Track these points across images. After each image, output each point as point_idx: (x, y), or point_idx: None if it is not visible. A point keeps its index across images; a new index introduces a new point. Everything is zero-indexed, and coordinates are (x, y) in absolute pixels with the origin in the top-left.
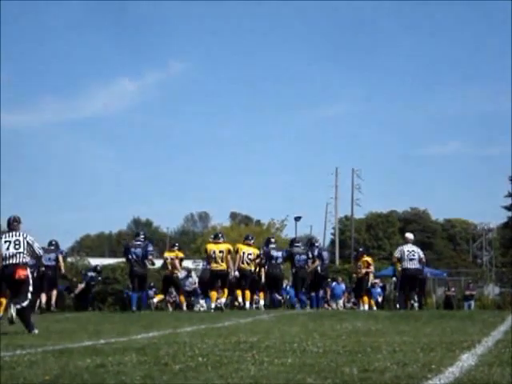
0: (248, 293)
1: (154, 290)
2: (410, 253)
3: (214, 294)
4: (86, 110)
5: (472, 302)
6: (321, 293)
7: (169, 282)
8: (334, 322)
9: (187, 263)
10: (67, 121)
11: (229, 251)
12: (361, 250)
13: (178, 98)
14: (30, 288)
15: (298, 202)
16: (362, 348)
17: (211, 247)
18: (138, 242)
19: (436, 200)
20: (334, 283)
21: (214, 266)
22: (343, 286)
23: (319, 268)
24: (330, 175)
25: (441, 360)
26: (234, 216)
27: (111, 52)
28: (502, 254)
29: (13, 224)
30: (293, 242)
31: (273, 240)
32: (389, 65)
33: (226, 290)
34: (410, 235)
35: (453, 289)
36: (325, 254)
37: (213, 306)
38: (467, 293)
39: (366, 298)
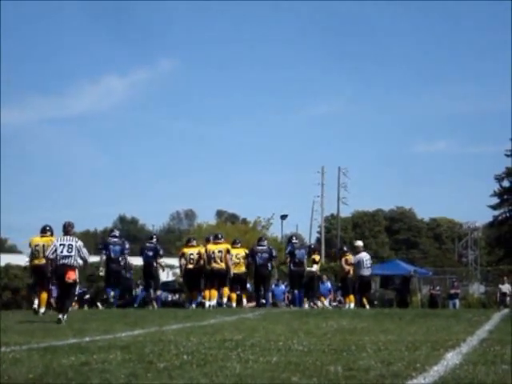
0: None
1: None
2: (367, 261)
3: (214, 293)
4: (73, 108)
5: (457, 301)
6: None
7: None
8: (319, 321)
9: (173, 261)
10: (54, 118)
11: (227, 251)
12: (344, 248)
13: (166, 96)
14: (77, 289)
15: (284, 200)
16: (347, 346)
17: (211, 247)
18: (116, 239)
19: (422, 199)
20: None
21: (213, 265)
22: (329, 285)
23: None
24: (316, 174)
25: (426, 359)
26: (220, 214)
27: (99, 49)
28: (487, 252)
29: (67, 229)
30: (290, 239)
31: (264, 239)
32: (375, 64)
33: (226, 289)
34: (360, 243)
35: (438, 287)
36: (299, 252)
37: (207, 304)
38: (452, 291)
39: (351, 297)
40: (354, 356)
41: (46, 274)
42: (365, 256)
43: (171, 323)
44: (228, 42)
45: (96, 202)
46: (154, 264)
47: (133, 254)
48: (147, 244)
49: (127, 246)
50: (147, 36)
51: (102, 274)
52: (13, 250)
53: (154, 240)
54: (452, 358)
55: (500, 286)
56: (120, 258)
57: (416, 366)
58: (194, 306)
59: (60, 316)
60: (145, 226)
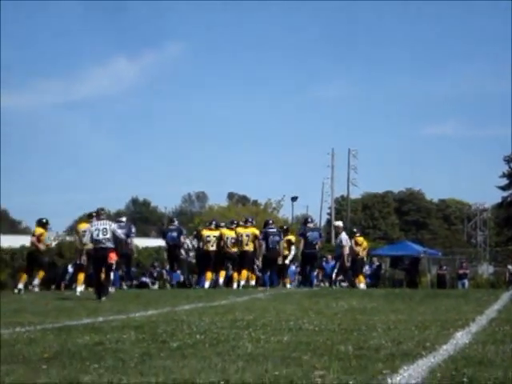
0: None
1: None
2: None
3: (244, 273)
4: (82, 91)
5: (466, 281)
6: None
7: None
8: (330, 301)
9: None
10: (64, 102)
11: (255, 236)
12: (355, 230)
13: (175, 79)
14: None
15: (294, 182)
16: (357, 326)
17: (240, 230)
18: (122, 224)
19: (431, 180)
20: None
21: (241, 247)
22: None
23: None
24: (326, 155)
25: (435, 338)
26: (231, 196)
27: (107, 33)
28: (496, 233)
29: (99, 213)
30: (306, 221)
31: (271, 222)
32: (385, 48)
33: (244, 271)
34: (340, 223)
35: (444, 267)
36: (311, 234)
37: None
38: (461, 272)
39: (361, 277)
40: (364, 335)
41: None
42: (344, 236)
43: (183, 303)
44: (235, 24)
45: (108, 185)
46: (180, 244)
47: (143, 235)
48: (170, 227)
49: (133, 229)
50: (155, 19)
51: None
52: (27, 231)
53: (176, 222)
54: (461, 338)
55: (509, 266)
56: (128, 241)
57: (426, 345)
58: (206, 286)
59: (102, 298)
60: (157, 208)
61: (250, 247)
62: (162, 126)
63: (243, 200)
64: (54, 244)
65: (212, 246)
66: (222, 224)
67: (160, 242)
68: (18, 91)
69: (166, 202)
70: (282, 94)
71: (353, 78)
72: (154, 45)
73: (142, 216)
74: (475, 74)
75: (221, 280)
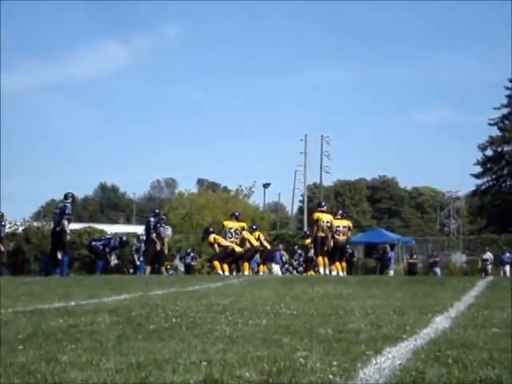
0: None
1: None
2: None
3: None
4: (63, 74)
5: (437, 269)
6: None
7: None
8: (305, 286)
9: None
10: (49, 84)
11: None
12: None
13: (152, 64)
14: None
15: (266, 168)
16: (335, 310)
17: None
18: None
19: (405, 168)
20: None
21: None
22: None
23: None
24: (299, 142)
25: (415, 322)
26: (201, 182)
27: (100, 15)
28: (469, 222)
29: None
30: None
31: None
32: (361, 33)
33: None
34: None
35: (415, 256)
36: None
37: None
38: (431, 260)
39: (337, 264)
40: (342, 319)
41: None
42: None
43: (156, 289)
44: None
45: (78, 170)
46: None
47: (112, 221)
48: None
49: (68, 210)
50: (147, 1)
51: None
52: None
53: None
54: (441, 322)
55: (483, 255)
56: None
57: (406, 329)
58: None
59: None
60: (125, 194)
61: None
62: (133, 110)
63: (213, 186)
64: (20, 229)
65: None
66: None
67: (128, 229)
68: (4, 72)
69: (135, 188)
70: (256, 79)
71: (327, 65)
72: (148, 28)
73: (110, 202)
74: (450, 61)
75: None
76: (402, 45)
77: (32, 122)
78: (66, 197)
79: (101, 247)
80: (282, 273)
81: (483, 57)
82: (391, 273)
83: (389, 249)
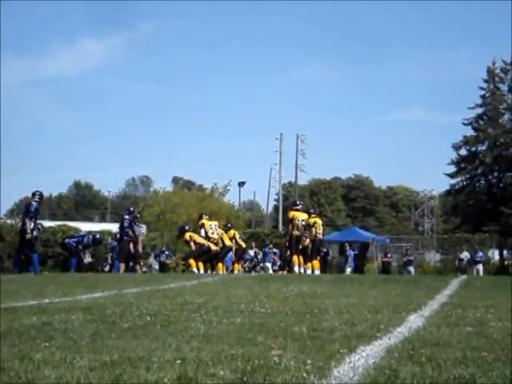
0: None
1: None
2: None
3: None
4: (44, 70)
5: (411, 268)
6: None
7: None
8: (280, 285)
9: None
10: (24, 81)
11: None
12: (311, 211)
13: (127, 59)
14: None
15: (241, 167)
16: (310, 309)
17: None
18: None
19: (379, 167)
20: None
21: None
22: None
23: None
24: (274, 140)
25: (388, 321)
26: (176, 181)
27: (77, 11)
28: (443, 221)
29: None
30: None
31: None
32: (338, 32)
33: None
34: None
35: (389, 254)
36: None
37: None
38: (405, 259)
39: (310, 263)
40: (317, 318)
41: None
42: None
43: (130, 287)
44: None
45: (52, 167)
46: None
47: (87, 219)
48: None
49: (32, 209)
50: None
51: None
52: None
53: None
54: (415, 321)
55: (459, 253)
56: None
57: (380, 327)
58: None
59: None
60: (100, 191)
61: None
62: (108, 108)
63: (188, 184)
64: None
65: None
66: None
67: (103, 227)
68: None
69: (110, 185)
70: (233, 77)
71: (303, 64)
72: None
73: (84, 200)
74: (425, 60)
75: None
76: (376, 43)
77: (7, 119)
78: (33, 195)
79: (74, 244)
80: (256, 271)
81: (458, 56)
82: (348, 270)
83: (348, 247)
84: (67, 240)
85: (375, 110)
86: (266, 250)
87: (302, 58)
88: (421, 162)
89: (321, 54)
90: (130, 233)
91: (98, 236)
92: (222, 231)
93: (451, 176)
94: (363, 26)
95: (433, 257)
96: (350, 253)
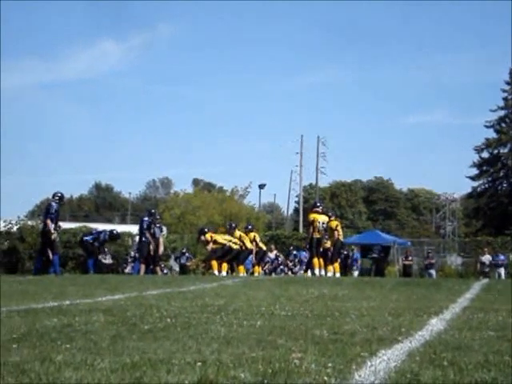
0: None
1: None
2: None
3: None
4: (65, 73)
5: (433, 271)
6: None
7: None
8: (300, 288)
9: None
10: (44, 83)
11: None
12: (329, 214)
13: (146, 61)
14: None
15: (262, 169)
16: (330, 312)
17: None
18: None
19: (401, 169)
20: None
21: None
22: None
23: None
24: (295, 142)
25: (410, 324)
26: (196, 183)
27: (96, 13)
28: (465, 224)
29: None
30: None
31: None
32: (360, 35)
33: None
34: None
35: (410, 257)
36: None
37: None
38: (426, 262)
39: (331, 266)
40: (338, 321)
41: None
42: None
43: (151, 289)
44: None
45: (74, 169)
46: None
47: (107, 221)
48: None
49: (52, 210)
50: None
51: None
52: None
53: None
54: (436, 324)
55: (480, 257)
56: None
57: (401, 330)
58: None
59: None
60: (120, 193)
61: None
62: (129, 110)
63: (209, 187)
64: (15, 228)
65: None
66: None
67: (123, 228)
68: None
69: (131, 187)
70: (254, 79)
71: (324, 65)
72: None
73: (105, 202)
74: (447, 63)
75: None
76: (399, 45)
77: (28, 121)
78: (53, 196)
79: (90, 241)
80: (277, 274)
81: (480, 59)
82: (355, 274)
83: (355, 250)
84: (85, 237)
85: (396, 112)
86: (297, 252)
87: (323, 59)
88: (442, 165)
89: (342, 55)
90: (148, 235)
91: (114, 232)
92: (243, 233)
93: (473, 179)
94: (385, 27)
95: (454, 260)
96: (357, 256)
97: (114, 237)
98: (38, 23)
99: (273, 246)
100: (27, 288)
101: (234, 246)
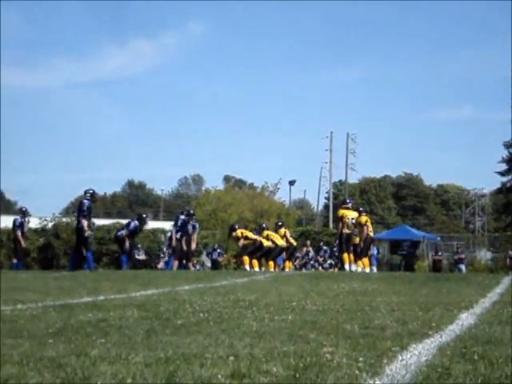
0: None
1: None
2: None
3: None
4: (98, 72)
5: (462, 266)
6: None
7: None
8: (330, 283)
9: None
10: (77, 82)
11: None
12: (360, 209)
13: (178, 60)
14: None
15: (292, 165)
16: (361, 307)
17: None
18: None
19: (430, 165)
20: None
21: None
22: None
23: None
24: (324, 139)
25: (440, 319)
26: (227, 179)
27: (127, 12)
28: (494, 219)
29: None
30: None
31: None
32: (387, 32)
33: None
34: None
35: (440, 253)
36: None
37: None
38: (456, 257)
39: (358, 260)
40: (368, 315)
41: None
42: None
43: (183, 284)
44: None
45: (107, 166)
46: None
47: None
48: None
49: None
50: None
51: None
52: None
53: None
54: (466, 319)
55: (510, 251)
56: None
57: (431, 325)
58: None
59: None
60: (153, 190)
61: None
62: (161, 107)
63: (239, 183)
64: (50, 225)
65: None
66: None
67: (156, 225)
68: (35, 70)
69: (163, 184)
70: (284, 76)
71: (353, 63)
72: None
73: (138, 199)
74: (475, 58)
75: None
76: (427, 42)
77: (64, 120)
78: (85, 193)
79: (123, 234)
80: (307, 269)
81: (509, 52)
82: (374, 269)
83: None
84: (118, 233)
85: (425, 108)
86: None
87: (353, 56)
88: (471, 160)
89: (371, 52)
90: (180, 233)
91: (143, 215)
92: (271, 232)
93: (502, 174)
94: (414, 24)
95: (484, 255)
96: (374, 251)
97: (142, 219)
98: (72, 23)
99: (308, 242)
100: (62, 284)
101: (266, 243)
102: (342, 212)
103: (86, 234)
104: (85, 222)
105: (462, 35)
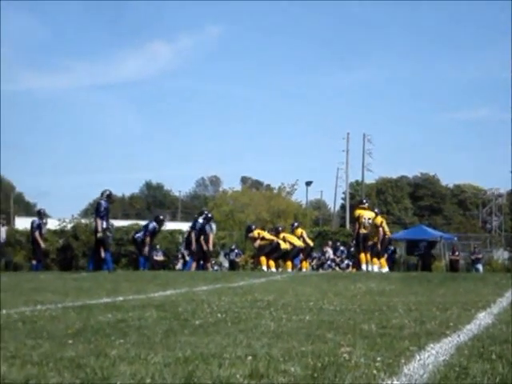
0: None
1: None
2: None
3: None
4: (116, 74)
5: (479, 266)
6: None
7: None
8: (348, 283)
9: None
10: (96, 85)
11: None
12: (376, 211)
13: (194, 61)
14: None
15: (309, 166)
16: (378, 307)
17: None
18: None
19: (446, 165)
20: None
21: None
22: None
23: None
24: (341, 140)
25: (457, 318)
26: (244, 180)
27: (145, 15)
28: (511, 218)
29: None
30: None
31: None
32: (404, 32)
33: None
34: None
35: (457, 253)
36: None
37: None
38: (473, 257)
39: (375, 260)
40: (385, 315)
41: None
42: None
43: (201, 284)
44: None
45: (125, 168)
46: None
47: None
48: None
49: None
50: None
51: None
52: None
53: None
54: (484, 318)
55: None
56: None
57: (449, 324)
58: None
59: None
60: (170, 191)
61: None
62: (178, 109)
63: (256, 184)
64: (69, 226)
65: None
66: None
67: (174, 226)
68: (53, 73)
69: (180, 186)
70: (300, 77)
71: (369, 64)
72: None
73: (156, 200)
74: (491, 59)
75: None
76: (444, 42)
77: (81, 121)
78: (102, 194)
79: (142, 237)
80: (324, 269)
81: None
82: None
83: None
84: (136, 235)
85: (442, 108)
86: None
87: (369, 57)
88: (488, 160)
89: (387, 52)
90: (196, 234)
91: (161, 217)
92: (287, 234)
93: None
94: (430, 24)
95: (501, 254)
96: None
97: (159, 221)
98: (89, 26)
99: (330, 243)
100: (82, 284)
101: (283, 244)
102: (358, 212)
103: (98, 235)
104: (99, 223)
105: (481, 35)
